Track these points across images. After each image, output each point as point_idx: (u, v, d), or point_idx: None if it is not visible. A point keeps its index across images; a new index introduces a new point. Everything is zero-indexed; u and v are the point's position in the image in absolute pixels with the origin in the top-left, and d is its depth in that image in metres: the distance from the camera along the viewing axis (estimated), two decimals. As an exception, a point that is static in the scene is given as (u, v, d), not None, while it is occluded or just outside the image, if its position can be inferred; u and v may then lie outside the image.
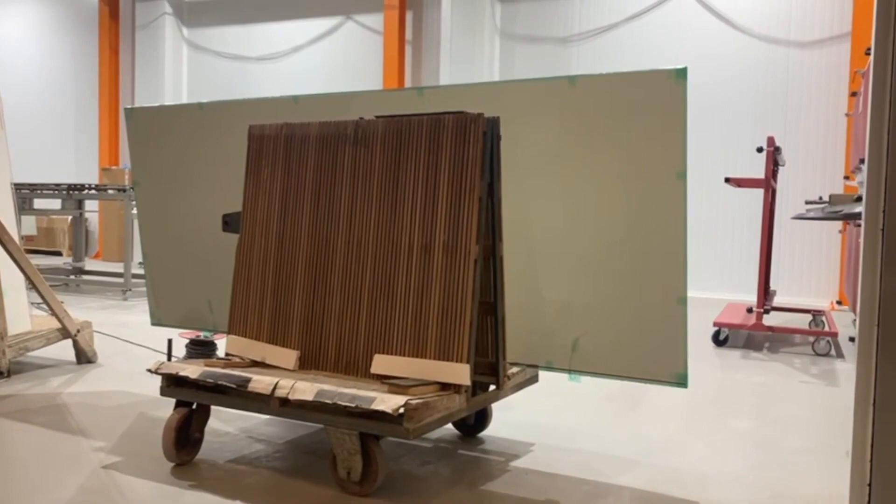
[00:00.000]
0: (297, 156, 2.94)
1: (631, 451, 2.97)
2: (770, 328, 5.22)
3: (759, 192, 8.29)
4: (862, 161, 4.89)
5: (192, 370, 2.66)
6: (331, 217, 2.84)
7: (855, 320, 6.89)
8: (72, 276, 8.09)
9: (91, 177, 12.43)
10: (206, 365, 2.79)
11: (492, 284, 2.69)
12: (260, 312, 2.96)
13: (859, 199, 2.92)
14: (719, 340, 5.34)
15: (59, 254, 12.03)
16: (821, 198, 2.94)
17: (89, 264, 10.66)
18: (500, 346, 2.70)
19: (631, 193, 2.58)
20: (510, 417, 3.37)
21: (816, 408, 3.73)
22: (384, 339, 2.67)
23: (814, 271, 8.21)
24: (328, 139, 2.88)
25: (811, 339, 5.37)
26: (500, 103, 2.82)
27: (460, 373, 2.50)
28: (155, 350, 4.66)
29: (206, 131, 3.40)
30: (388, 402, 2.28)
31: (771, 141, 5.12)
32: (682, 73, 2.42)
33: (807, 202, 2.94)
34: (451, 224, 2.58)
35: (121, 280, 7.53)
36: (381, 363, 2.65)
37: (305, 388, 2.43)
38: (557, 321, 2.79)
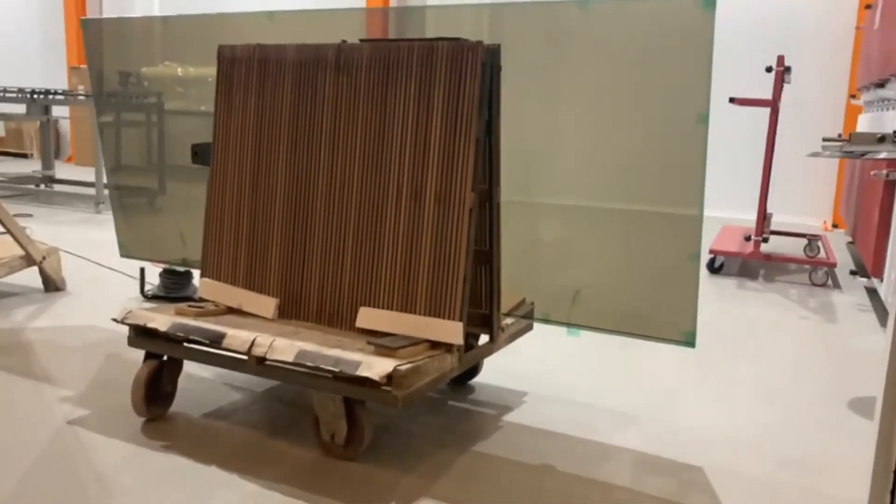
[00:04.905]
0: (272, 83, 2.64)
1: (628, 404, 2.83)
2: (767, 257, 5.07)
3: (756, 109, 7.98)
4: (877, 84, 4.62)
5: (162, 321, 2.45)
6: (310, 154, 2.57)
7: (850, 243, 6.77)
8: (42, 186, 7.76)
9: (60, 76, 11.83)
10: (177, 313, 2.58)
11: (487, 232, 2.47)
12: (235, 255, 2.73)
13: (882, 138, 2.69)
14: (714, 268, 5.20)
15: (27, 156, 11.58)
16: (840, 135, 2.72)
17: (61, 170, 10.24)
18: (494, 298, 2.50)
19: (645, 136, 2.32)
20: (501, 363, 3.21)
21: (817, 349, 3.61)
22: (370, 291, 2.46)
23: (808, 189, 8.03)
24: (307, 65, 2.58)
25: (808, 266, 5.23)
26: (499, 28, 2.52)
27: (452, 331, 2.31)
28: (128, 275, 4.43)
29: (170, 49, 3.06)
30: (375, 368, 2.09)
31: (780, 60, 4.81)
32: (710, 2, 2.13)
33: (824, 139, 2.71)
34: (444, 169, 2.33)
35: (93, 191, 7.21)
36: (367, 317, 2.45)
37: (285, 348, 2.24)
38: (558, 271, 2.59)
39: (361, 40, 2.52)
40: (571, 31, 2.39)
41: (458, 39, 2.34)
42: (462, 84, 2.32)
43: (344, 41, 2.56)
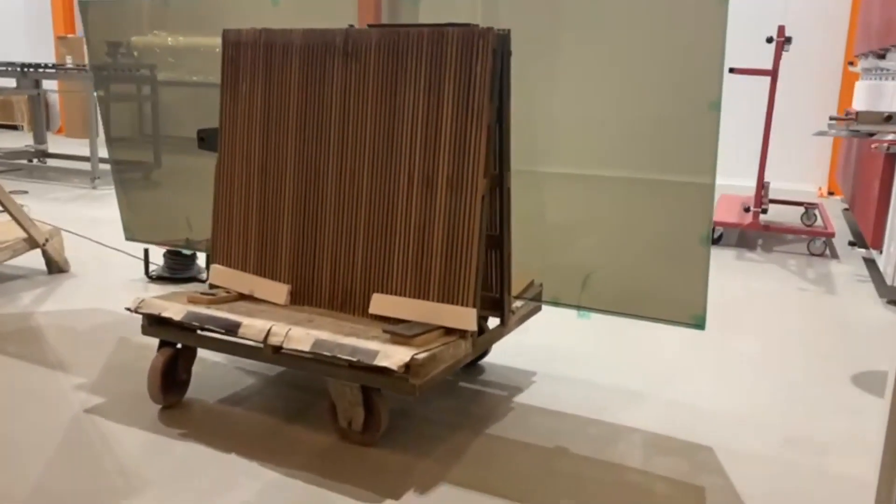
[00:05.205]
0: (278, 68, 2.62)
1: (636, 382, 2.88)
2: (766, 228, 5.11)
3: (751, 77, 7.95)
4: (877, 54, 4.61)
5: (176, 310, 2.47)
6: (320, 139, 2.57)
7: (846, 209, 6.82)
8: (35, 161, 7.69)
9: (47, 45, 11.64)
10: (190, 301, 2.60)
11: (497, 217, 2.48)
12: (245, 242, 2.73)
13: (889, 117, 2.70)
14: (713, 238, 5.23)
15: (15, 128, 11.45)
16: (847, 113, 2.72)
17: (53, 142, 10.15)
18: (505, 283, 2.53)
19: (656, 123, 2.33)
20: (509, 342, 3.25)
21: (818, 322, 3.66)
22: (382, 278, 2.48)
23: (803, 155, 8.05)
24: (314, 50, 2.56)
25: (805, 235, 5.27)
26: (503, 15, 2.50)
27: (466, 317, 2.34)
28: (130, 255, 4.43)
29: (173, 31, 3.03)
30: (393, 358, 2.12)
31: (781, 31, 4.79)
32: (723, -10, 2.12)
33: (831, 118, 2.72)
34: (455, 155, 2.34)
35: (88, 165, 7.16)
36: (381, 303, 2.47)
37: (301, 337, 2.26)
38: (568, 255, 2.61)
39: (369, 25, 2.50)
40: (572, 16, 2.37)
41: (468, 25, 2.32)
42: (473, 70, 2.31)
43: (351, 25, 2.54)
